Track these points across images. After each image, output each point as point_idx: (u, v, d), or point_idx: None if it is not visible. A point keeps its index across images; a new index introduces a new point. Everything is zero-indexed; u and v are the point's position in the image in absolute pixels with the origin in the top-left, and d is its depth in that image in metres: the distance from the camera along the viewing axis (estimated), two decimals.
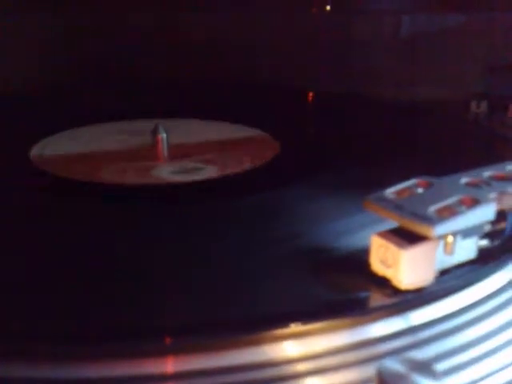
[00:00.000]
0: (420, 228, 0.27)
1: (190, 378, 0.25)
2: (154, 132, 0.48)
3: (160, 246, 0.34)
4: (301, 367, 0.25)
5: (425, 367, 0.21)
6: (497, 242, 0.31)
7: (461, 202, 0.29)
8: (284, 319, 0.26)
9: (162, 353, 0.25)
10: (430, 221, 0.27)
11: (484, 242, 0.30)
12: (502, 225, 0.31)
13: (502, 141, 0.52)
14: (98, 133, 0.55)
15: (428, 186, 0.31)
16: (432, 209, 0.28)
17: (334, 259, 0.31)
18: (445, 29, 0.71)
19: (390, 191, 0.30)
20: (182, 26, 0.75)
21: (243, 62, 0.74)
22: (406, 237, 0.28)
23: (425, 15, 0.73)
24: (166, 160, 0.47)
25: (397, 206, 0.29)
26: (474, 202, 0.29)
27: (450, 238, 0.28)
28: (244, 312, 0.27)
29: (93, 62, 0.73)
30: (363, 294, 0.28)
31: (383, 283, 0.28)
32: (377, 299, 0.28)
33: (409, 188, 0.31)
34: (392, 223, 0.29)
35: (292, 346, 0.26)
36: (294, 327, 0.26)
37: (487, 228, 0.30)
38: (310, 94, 0.68)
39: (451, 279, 0.29)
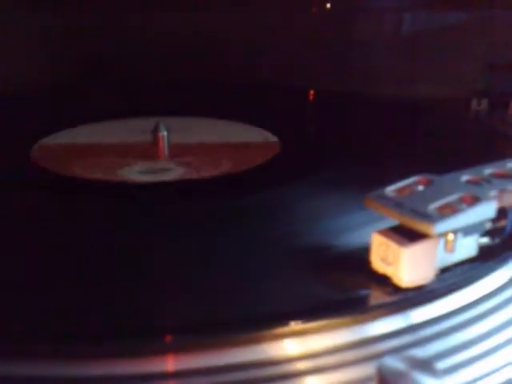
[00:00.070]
0: (420, 226, 0.27)
1: (190, 377, 0.24)
2: (155, 130, 0.48)
3: (160, 245, 0.34)
4: (301, 366, 0.25)
5: (425, 365, 0.21)
6: (497, 240, 0.31)
7: (461, 200, 0.29)
8: (284, 318, 0.26)
9: (163, 351, 0.25)
10: (431, 218, 0.27)
11: (485, 240, 0.30)
12: (503, 222, 0.31)
13: (502, 138, 0.52)
14: (103, 129, 0.55)
15: (428, 184, 0.31)
16: (432, 206, 0.28)
17: (335, 257, 0.31)
18: (445, 27, 0.71)
19: (391, 189, 0.30)
20: (182, 25, 0.75)
21: (243, 61, 0.74)
22: (407, 235, 0.28)
23: (425, 13, 0.73)
24: (166, 158, 0.47)
25: (397, 204, 0.29)
26: (475, 200, 0.29)
27: (451, 236, 0.28)
28: (244, 310, 0.27)
29: (93, 62, 0.73)
30: (364, 292, 0.28)
31: (384, 281, 0.28)
32: (377, 297, 0.28)
33: (409, 186, 0.31)
34: (392, 221, 0.29)
35: (292, 345, 0.26)
36: (295, 326, 0.26)
37: (488, 226, 0.30)
38: (311, 93, 0.68)
39: (452, 277, 0.29)
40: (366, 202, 0.30)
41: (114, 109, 0.60)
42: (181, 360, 0.25)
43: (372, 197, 0.30)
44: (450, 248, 0.28)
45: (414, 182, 0.31)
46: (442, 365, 0.26)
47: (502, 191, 0.30)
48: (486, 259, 0.30)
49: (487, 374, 0.26)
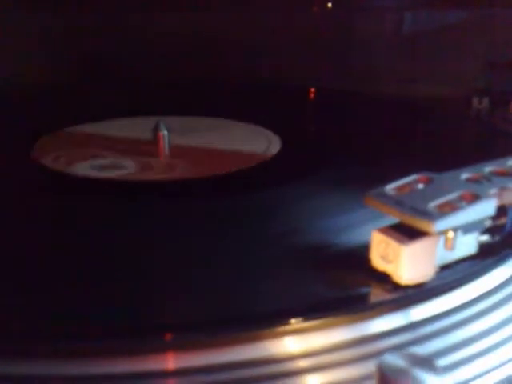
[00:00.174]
0: (420, 224, 0.27)
1: (191, 375, 0.24)
2: (156, 129, 0.48)
3: (160, 244, 0.34)
4: (302, 363, 0.25)
5: (426, 362, 0.21)
6: (497, 238, 0.31)
7: (461, 198, 0.29)
8: (285, 315, 0.26)
9: (163, 350, 0.25)
10: (431, 216, 0.27)
11: (484, 238, 0.30)
12: (503, 220, 0.31)
13: (502, 136, 0.52)
14: (118, 125, 0.55)
15: (428, 182, 0.31)
16: (432, 204, 0.28)
17: (335, 255, 0.31)
18: (445, 26, 0.71)
19: (391, 187, 0.30)
20: (182, 25, 0.75)
21: (243, 61, 0.74)
22: (407, 232, 0.28)
23: (425, 12, 0.73)
24: (166, 157, 0.47)
25: (397, 202, 0.29)
26: (475, 198, 0.29)
27: (451, 234, 0.28)
28: (245, 308, 0.27)
29: (93, 62, 0.73)
30: (364, 290, 0.28)
31: (384, 279, 0.28)
32: (377, 295, 0.28)
33: (409, 184, 0.31)
34: (392, 219, 0.29)
35: (293, 343, 0.25)
36: (295, 323, 0.26)
37: (488, 223, 0.30)
38: (311, 92, 0.68)
39: (452, 275, 0.29)
40: (366, 200, 0.30)
41: (114, 109, 0.60)
42: (181, 358, 0.25)
43: (372, 195, 0.30)
44: (449, 246, 0.28)
45: (414, 180, 0.31)
46: (442, 362, 0.26)
47: (502, 189, 0.30)
48: (485, 257, 0.30)
49: (487, 371, 0.26)
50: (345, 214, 0.36)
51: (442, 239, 0.28)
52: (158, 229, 0.35)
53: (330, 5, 0.74)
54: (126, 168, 0.45)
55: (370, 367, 0.25)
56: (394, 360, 0.22)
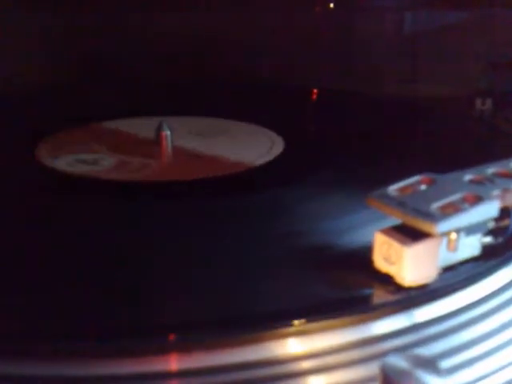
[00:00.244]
0: (423, 225, 0.27)
1: (193, 377, 0.24)
2: (159, 129, 0.48)
3: (161, 244, 0.34)
4: (304, 365, 0.25)
5: (429, 364, 0.21)
6: (500, 239, 0.31)
7: (464, 199, 0.29)
8: (287, 317, 0.26)
9: (165, 351, 0.25)
10: (433, 218, 0.27)
11: (488, 239, 0.30)
12: (506, 222, 0.31)
13: (505, 137, 0.52)
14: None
15: (431, 183, 0.31)
16: (435, 206, 0.28)
17: (337, 256, 0.31)
18: (446, 26, 0.71)
19: (393, 188, 0.30)
20: (182, 25, 0.75)
21: (243, 61, 0.74)
22: (409, 234, 0.28)
23: (426, 12, 0.73)
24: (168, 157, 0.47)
25: (400, 203, 0.29)
26: (477, 199, 0.29)
27: (454, 235, 0.28)
28: (247, 310, 0.27)
29: (93, 62, 0.73)
30: (366, 291, 0.28)
31: (386, 280, 0.28)
32: (380, 296, 0.28)
33: (412, 185, 0.31)
34: (395, 220, 0.29)
35: (295, 344, 0.25)
36: (297, 325, 0.26)
37: (491, 225, 0.30)
38: (311, 92, 0.68)
39: (455, 276, 0.29)
40: (369, 201, 0.30)
41: (114, 109, 0.60)
42: (183, 359, 0.25)
43: (374, 196, 0.30)
44: (452, 247, 0.28)
45: (417, 181, 0.31)
46: (445, 364, 0.26)
47: (505, 190, 0.30)
48: (489, 258, 0.30)
49: (491, 373, 0.26)
50: (347, 215, 0.36)
51: (444, 241, 0.28)
52: (158, 229, 0.35)
53: (332, 5, 0.74)
54: (103, 165, 0.45)
55: (372, 369, 0.24)
56: (397, 361, 0.22)
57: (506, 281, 0.30)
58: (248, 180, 0.43)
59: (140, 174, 0.44)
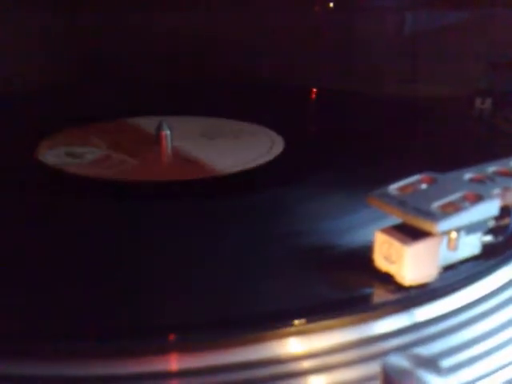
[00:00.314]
0: (423, 224, 0.27)
1: (193, 377, 0.24)
2: (158, 128, 0.48)
3: (162, 244, 0.34)
4: (305, 365, 0.25)
5: (430, 363, 0.21)
6: (501, 238, 0.31)
7: (464, 198, 0.29)
8: (288, 317, 0.26)
9: (165, 351, 0.25)
10: (434, 217, 0.27)
11: (488, 238, 0.30)
12: (506, 220, 0.30)
13: (505, 137, 0.52)
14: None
15: (431, 182, 0.31)
16: (435, 205, 0.28)
17: (338, 256, 0.31)
18: (446, 26, 0.71)
19: (394, 187, 0.30)
20: (182, 25, 0.75)
21: (243, 61, 0.74)
22: (410, 233, 0.28)
23: (426, 12, 0.73)
24: (169, 157, 0.47)
25: (400, 202, 0.29)
26: (478, 198, 0.29)
27: (454, 234, 0.28)
28: (248, 310, 0.27)
29: (93, 62, 0.73)
30: (367, 291, 0.28)
31: (387, 279, 0.28)
32: (380, 295, 0.28)
33: (412, 184, 0.31)
34: (395, 219, 0.29)
35: (296, 344, 0.25)
36: (298, 324, 0.25)
37: (491, 224, 0.30)
38: (311, 92, 0.68)
39: (455, 275, 0.29)
40: (369, 200, 0.30)
41: (114, 109, 0.60)
42: (184, 360, 0.25)
43: (375, 195, 0.30)
44: (453, 246, 0.28)
45: (417, 181, 0.31)
46: (446, 363, 0.25)
47: (506, 189, 0.30)
48: (489, 257, 0.30)
49: (492, 372, 0.26)
50: (347, 215, 0.36)
51: (445, 240, 0.28)
52: (159, 229, 0.35)
53: (331, 5, 0.74)
54: (87, 159, 0.46)
55: (373, 368, 0.25)
56: (398, 361, 0.22)
57: (506, 280, 0.30)
58: (249, 180, 0.43)
59: (112, 171, 0.44)
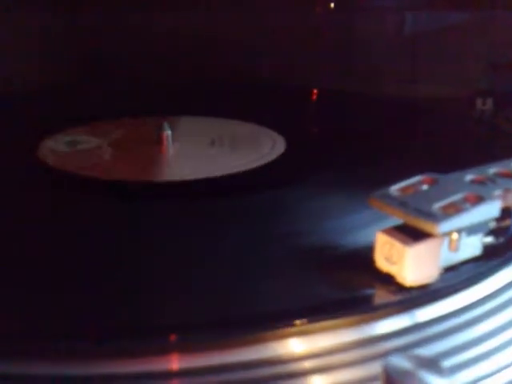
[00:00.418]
0: (425, 225, 0.27)
1: (193, 376, 0.24)
2: (160, 129, 0.48)
3: (162, 244, 0.34)
4: (307, 365, 0.25)
5: (431, 364, 0.21)
6: (502, 239, 0.31)
7: (465, 199, 0.29)
8: (289, 317, 0.26)
9: (166, 351, 0.25)
10: (435, 218, 0.27)
11: (489, 239, 0.30)
12: (507, 222, 0.30)
13: (506, 137, 0.52)
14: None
15: (433, 183, 0.31)
16: (437, 206, 0.28)
17: (339, 256, 0.31)
18: (446, 26, 0.71)
19: (395, 188, 0.30)
20: (182, 25, 0.75)
21: (243, 61, 0.74)
22: (411, 234, 0.28)
23: (426, 13, 0.73)
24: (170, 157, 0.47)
25: (402, 203, 0.29)
26: (479, 199, 0.29)
27: (455, 235, 0.28)
28: (249, 310, 0.27)
29: (93, 62, 0.73)
30: (368, 291, 0.28)
31: (388, 280, 0.28)
32: (381, 296, 0.28)
33: (414, 185, 0.31)
34: (397, 220, 0.29)
35: (298, 344, 0.25)
36: (299, 324, 0.25)
37: (492, 225, 0.30)
38: (311, 93, 0.68)
39: (456, 276, 0.29)
40: (371, 201, 0.30)
41: (114, 109, 0.60)
42: (184, 360, 0.25)
43: (376, 196, 0.30)
44: (454, 247, 0.28)
45: (419, 182, 0.31)
46: (447, 363, 0.25)
47: (507, 191, 0.30)
48: (490, 258, 0.30)
49: (494, 373, 0.26)
50: (349, 215, 0.36)
51: (446, 241, 0.28)
52: (159, 229, 0.35)
53: (332, 5, 0.74)
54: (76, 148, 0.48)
55: (374, 368, 0.24)
56: (400, 362, 0.22)
57: (508, 281, 0.30)
58: (250, 180, 0.43)
59: (76, 163, 0.45)
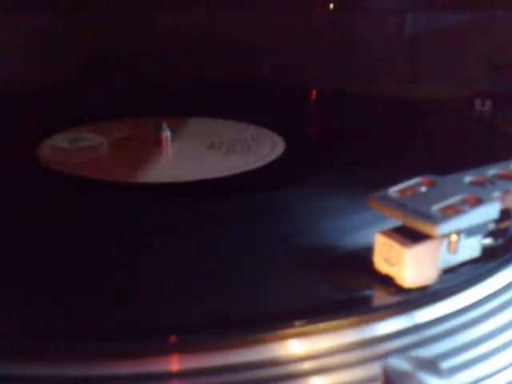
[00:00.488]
0: (423, 227, 0.27)
1: (193, 377, 0.24)
2: (159, 130, 0.48)
3: (162, 244, 0.34)
4: (306, 366, 0.25)
5: (430, 365, 0.21)
6: (501, 241, 0.31)
7: (464, 201, 0.29)
8: (288, 318, 0.26)
9: (166, 352, 0.25)
10: (434, 219, 0.27)
11: (488, 241, 0.30)
12: (506, 223, 0.30)
13: (505, 139, 0.52)
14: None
15: (431, 185, 0.31)
16: (435, 207, 0.28)
17: (338, 257, 0.31)
18: (446, 27, 0.71)
19: (394, 190, 0.30)
20: (182, 25, 0.75)
21: (243, 61, 0.74)
22: (410, 235, 0.28)
23: (426, 14, 0.73)
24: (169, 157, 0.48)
25: (400, 205, 0.29)
26: (478, 201, 0.29)
27: (454, 237, 0.28)
28: (249, 311, 0.27)
29: (93, 62, 0.73)
30: (367, 293, 0.28)
31: (387, 281, 0.28)
32: (380, 298, 0.28)
33: (412, 187, 0.31)
34: (396, 222, 0.29)
35: (297, 345, 0.25)
36: (298, 326, 0.26)
37: (491, 227, 0.30)
38: (311, 93, 0.68)
39: (455, 278, 0.29)
40: (370, 203, 0.30)
41: (114, 109, 0.60)
42: (184, 360, 0.25)
43: (375, 197, 0.30)
44: (453, 249, 0.28)
45: (417, 183, 0.31)
46: (447, 365, 0.26)
47: (506, 192, 0.30)
48: (489, 260, 0.30)
49: (492, 374, 0.26)
50: (348, 216, 0.36)
51: (445, 242, 0.28)
52: (159, 230, 0.35)
53: (331, 6, 0.74)
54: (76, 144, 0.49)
55: (374, 370, 0.25)
56: (399, 363, 0.22)
57: (506, 282, 0.30)
58: (250, 181, 0.43)
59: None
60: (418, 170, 0.32)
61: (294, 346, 0.25)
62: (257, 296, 0.28)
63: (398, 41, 0.73)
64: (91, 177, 0.43)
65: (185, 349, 0.25)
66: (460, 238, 0.28)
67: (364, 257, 0.30)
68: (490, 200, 0.29)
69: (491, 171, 0.32)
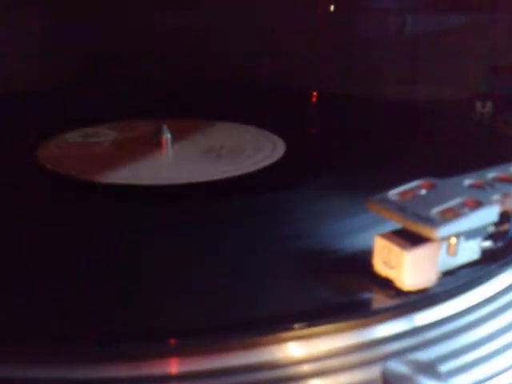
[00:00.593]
0: (423, 230, 0.27)
1: (192, 380, 0.24)
2: (159, 132, 0.48)
3: (162, 247, 0.34)
4: (305, 368, 0.25)
5: (429, 368, 0.21)
6: (500, 244, 0.31)
7: (464, 204, 0.29)
8: (287, 320, 0.26)
9: (165, 355, 0.25)
10: (433, 222, 0.27)
11: (487, 244, 0.30)
12: (506, 226, 0.31)
13: (505, 141, 0.52)
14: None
15: (431, 188, 0.31)
16: (435, 210, 0.28)
17: (338, 260, 0.31)
18: (446, 28, 0.71)
19: (394, 192, 0.30)
20: (182, 25, 0.75)
21: (243, 61, 0.74)
22: (409, 238, 0.28)
23: (427, 15, 0.73)
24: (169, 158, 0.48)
25: (400, 208, 0.29)
26: (477, 204, 0.29)
27: (453, 240, 0.28)
28: (248, 314, 0.27)
29: (93, 62, 0.73)
30: (366, 295, 0.28)
31: (386, 284, 0.28)
32: (380, 300, 0.28)
33: (412, 190, 0.31)
34: (395, 225, 0.29)
35: (296, 348, 0.26)
36: (298, 328, 0.26)
37: (490, 229, 0.30)
38: (311, 94, 0.68)
39: (454, 281, 0.29)
40: (369, 206, 0.30)
41: (114, 109, 0.60)
42: (183, 364, 0.25)
43: (375, 200, 0.30)
44: (452, 252, 0.28)
45: (417, 186, 0.31)
46: (445, 368, 0.26)
47: (505, 195, 0.30)
48: (488, 263, 0.30)
49: (490, 377, 0.26)
50: (348, 219, 0.36)
51: (444, 245, 0.28)
52: (160, 231, 0.35)
53: (332, 8, 0.74)
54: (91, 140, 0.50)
55: (373, 373, 0.25)
56: (398, 367, 0.22)
57: (506, 285, 0.30)
58: (250, 183, 0.43)
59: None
60: (418, 171, 0.32)
61: (294, 349, 0.25)
62: (256, 299, 0.28)
63: (399, 41, 0.73)
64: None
65: (184, 352, 0.25)
66: (459, 241, 0.28)
67: (363, 259, 0.30)
68: (489, 203, 0.29)
69: (491, 174, 0.32)
